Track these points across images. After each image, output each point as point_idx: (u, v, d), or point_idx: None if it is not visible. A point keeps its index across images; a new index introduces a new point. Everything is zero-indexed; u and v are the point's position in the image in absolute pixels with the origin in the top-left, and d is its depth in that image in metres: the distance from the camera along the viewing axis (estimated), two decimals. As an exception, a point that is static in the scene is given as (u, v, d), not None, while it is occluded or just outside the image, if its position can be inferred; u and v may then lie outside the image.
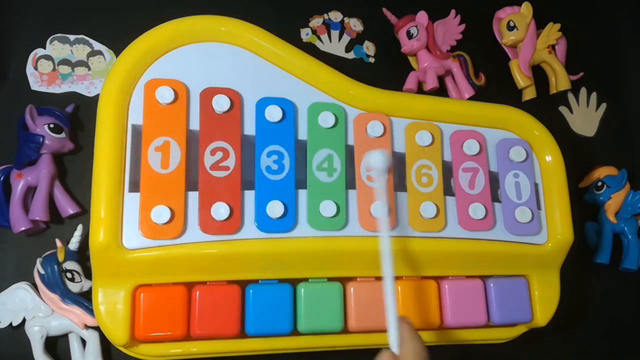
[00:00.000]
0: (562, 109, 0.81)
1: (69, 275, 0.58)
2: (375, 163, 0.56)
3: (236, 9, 0.61)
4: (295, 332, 0.57)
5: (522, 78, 0.77)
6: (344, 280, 0.59)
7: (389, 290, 0.49)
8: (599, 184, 0.76)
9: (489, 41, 0.80)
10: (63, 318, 0.58)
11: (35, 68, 0.66)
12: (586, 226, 0.77)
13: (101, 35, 0.68)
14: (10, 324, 0.57)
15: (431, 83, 0.72)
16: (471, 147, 0.63)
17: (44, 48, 0.66)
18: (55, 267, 0.57)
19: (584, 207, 0.77)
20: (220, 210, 0.53)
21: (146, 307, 0.53)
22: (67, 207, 0.61)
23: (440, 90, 0.75)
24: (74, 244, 0.59)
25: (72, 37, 0.67)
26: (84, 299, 0.57)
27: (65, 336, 0.59)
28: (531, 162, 0.65)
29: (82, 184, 0.63)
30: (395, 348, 0.47)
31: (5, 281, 0.59)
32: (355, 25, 0.76)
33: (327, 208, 0.56)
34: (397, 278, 0.60)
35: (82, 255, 0.60)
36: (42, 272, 0.57)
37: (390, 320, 0.48)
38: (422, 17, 0.74)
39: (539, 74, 0.79)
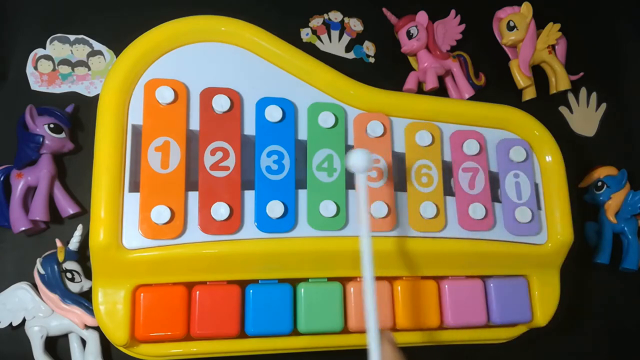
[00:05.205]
0: (562, 109, 0.81)
1: (69, 275, 0.58)
2: (356, 163, 0.51)
3: (236, 9, 0.61)
4: (295, 332, 0.57)
5: (522, 78, 0.77)
6: (344, 280, 0.59)
7: (371, 307, 0.45)
8: (599, 184, 0.76)
9: (489, 41, 0.80)
10: (63, 318, 0.58)
11: (35, 68, 0.66)
12: (586, 226, 0.77)
13: (101, 35, 0.68)
14: (10, 324, 0.57)
15: (431, 83, 0.72)
16: (471, 147, 0.63)
17: (44, 48, 0.66)
18: (55, 267, 0.57)
19: (584, 207, 0.77)
20: (220, 210, 0.53)
21: (146, 307, 0.53)
22: (67, 207, 0.61)
23: (440, 90, 0.75)
24: (74, 244, 0.59)
25: (72, 37, 0.67)
26: (84, 299, 0.57)
27: (65, 336, 0.59)
28: (531, 162, 0.65)
29: (82, 184, 0.63)
30: None
31: (5, 281, 0.59)
32: (355, 25, 0.76)
33: (327, 208, 0.56)
34: (397, 278, 0.60)
35: (82, 255, 0.60)
36: (42, 272, 0.57)
37: (371, 339, 0.44)
38: (422, 17, 0.74)
39: (539, 74, 0.79)
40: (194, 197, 0.54)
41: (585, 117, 0.82)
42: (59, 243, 0.59)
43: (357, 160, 0.51)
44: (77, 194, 0.63)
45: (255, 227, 0.55)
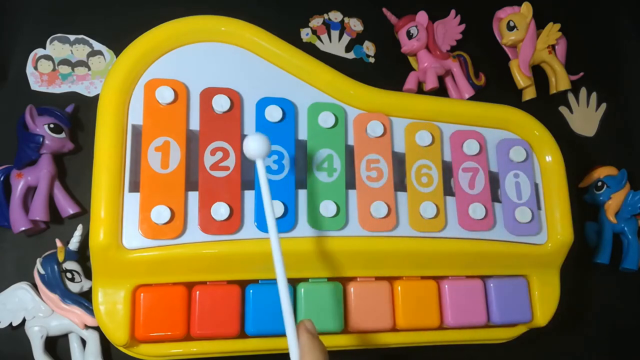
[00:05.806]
0: (562, 109, 0.81)
1: (69, 275, 0.58)
2: (252, 149, 0.48)
3: (236, 9, 0.61)
4: (295, 332, 0.57)
5: (522, 78, 0.77)
6: (344, 280, 0.59)
7: (285, 298, 0.44)
8: (599, 184, 0.76)
9: (489, 41, 0.80)
10: (63, 318, 0.58)
11: (35, 68, 0.66)
12: (586, 226, 0.77)
13: (101, 35, 0.68)
14: (10, 324, 0.57)
15: (431, 83, 0.72)
16: (471, 147, 0.63)
17: (44, 48, 0.66)
18: (55, 267, 0.57)
19: (584, 207, 0.77)
20: (220, 210, 0.53)
21: (146, 307, 0.53)
22: (67, 207, 0.61)
23: (440, 90, 0.75)
24: (74, 244, 0.59)
25: (72, 37, 0.67)
26: (84, 299, 0.57)
27: (65, 336, 0.59)
28: (531, 162, 0.65)
29: (82, 184, 0.63)
30: None
31: (5, 281, 0.59)
32: (355, 25, 0.76)
33: (327, 208, 0.56)
34: (397, 278, 0.60)
35: (82, 255, 0.60)
36: (42, 272, 0.57)
37: (289, 332, 0.43)
38: (422, 17, 0.74)
39: (539, 74, 0.79)
40: (194, 197, 0.54)
41: (585, 117, 0.82)
42: (59, 243, 0.59)
43: (255, 145, 0.48)
44: (77, 194, 0.63)
45: (255, 227, 0.55)
